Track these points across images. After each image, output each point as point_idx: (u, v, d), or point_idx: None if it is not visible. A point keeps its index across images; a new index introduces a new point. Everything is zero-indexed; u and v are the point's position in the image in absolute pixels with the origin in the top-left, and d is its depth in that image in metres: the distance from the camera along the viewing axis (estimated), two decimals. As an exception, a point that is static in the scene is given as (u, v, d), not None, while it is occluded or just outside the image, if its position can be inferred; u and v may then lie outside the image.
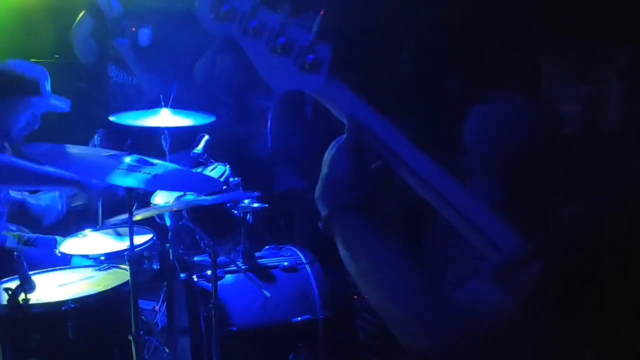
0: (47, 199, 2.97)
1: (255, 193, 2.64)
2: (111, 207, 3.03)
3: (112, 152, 2.27)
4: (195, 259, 2.72)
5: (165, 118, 3.02)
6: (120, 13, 3.81)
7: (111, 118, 3.00)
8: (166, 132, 3.12)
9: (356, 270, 1.04)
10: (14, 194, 2.94)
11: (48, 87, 2.86)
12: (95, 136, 3.21)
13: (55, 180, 2.59)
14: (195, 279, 2.50)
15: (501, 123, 2.50)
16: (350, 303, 2.75)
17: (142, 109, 3.20)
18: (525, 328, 0.83)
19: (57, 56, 4.74)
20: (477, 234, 1.03)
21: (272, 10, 1.09)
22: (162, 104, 3.06)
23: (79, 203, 2.99)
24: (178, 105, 3.19)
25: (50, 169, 2.56)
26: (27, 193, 2.99)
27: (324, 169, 1.11)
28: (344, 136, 1.10)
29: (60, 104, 2.99)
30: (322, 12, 1.04)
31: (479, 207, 1.04)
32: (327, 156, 1.12)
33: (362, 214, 1.07)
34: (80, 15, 3.79)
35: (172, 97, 3.37)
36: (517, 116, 2.18)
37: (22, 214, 3.00)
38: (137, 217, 2.39)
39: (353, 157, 1.09)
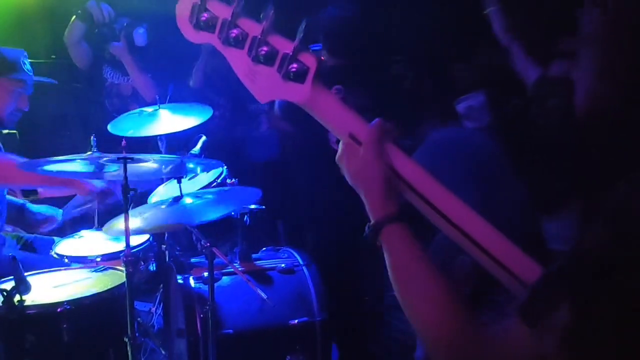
0: (48, 209, 2.97)
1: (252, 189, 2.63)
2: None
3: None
4: (192, 260, 2.71)
5: (164, 120, 3.00)
6: (112, 16, 3.80)
7: (109, 128, 2.98)
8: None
9: (395, 280, 1.03)
10: (10, 197, 2.93)
11: (28, 65, 2.93)
12: (91, 138, 3.19)
13: (56, 181, 2.61)
14: (192, 281, 2.49)
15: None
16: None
17: (138, 108, 3.18)
18: None
19: (54, 57, 4.73)
20: (498, 268, 0.97)
21: (254, 18, 1.05)
22: (159, 104, 3.05)
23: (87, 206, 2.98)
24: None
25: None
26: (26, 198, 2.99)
27: (357, 183, 1.07)
28: (363, 149, 1.04)
29: (45, 80, 3.06)
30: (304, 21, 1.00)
31: (497, 237, 0.98)
32: (349, 173, 1.07)
33: (406, 224, 1.04)
34: (71, 21, 3.79)
35: (168, 97, 3.37)
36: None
37: (20, 218, 2.98)
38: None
39: (380, 169, 1.04)
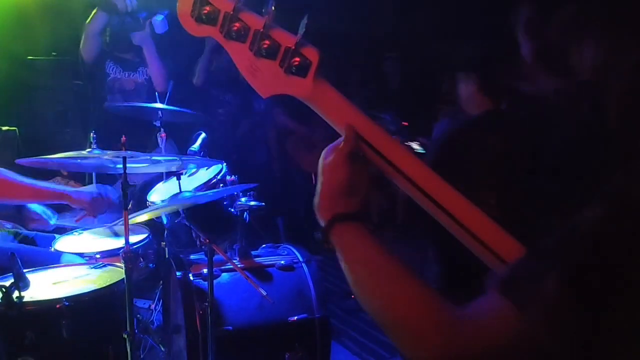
0: (44, 212, 2.97)
1: (252, 185, 2.63)
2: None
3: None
4: (191, 257, 2.71)
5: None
6: (134, 5, 3.80)
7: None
8: (162, 129, 3.10)
9: (354, 280, 1.00)
10: None
11: None
12: (90, 135, 3.19)
13: (47, 195, 2.63)
14: (191, 277, 2.49)
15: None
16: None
17: (139, 103, 3.18)
18: (548, 353, 0.76)
19: (55, 54, 4.74)
20: (480, 246, 0.98)
21: (256, 11, 1.04)
22: (158, 101, 3.05)
23: None
24: (175, 103, 3.18)
25: (44, 184, 2.61)
26: None
27: (320, 177, 1.07)
28: (340, 144, 1.05)
29: None
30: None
31: (480, 216, 1.00)
32: (322, 163, 1.07)
33: (361, 223, 1.03)
34: (94, 12, 3.78)
35: (167, 95, 3.37)
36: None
37: (17, 215, 2.99)
38: (134, 220, 2.38)
39: (350, 165, 1.04)
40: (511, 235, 0.97)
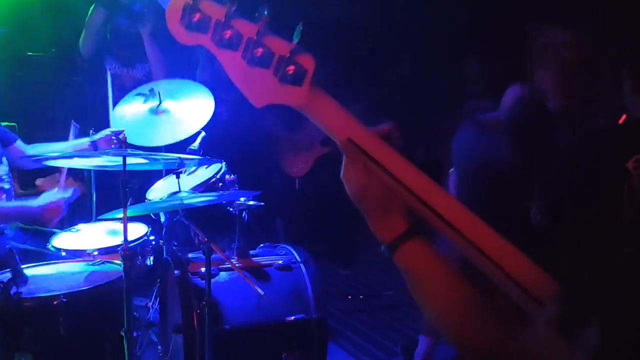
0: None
1: (252, 192, 2.63)
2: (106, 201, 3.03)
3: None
4: (190, 255, 2.70)
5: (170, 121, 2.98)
6: None
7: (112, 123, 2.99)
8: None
9: (421, 299, 1.00)
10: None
11: None
12: (90, 132, 3.19)
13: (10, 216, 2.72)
14: (189, 276, 2.49)
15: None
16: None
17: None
18: None
19: (54, 50, 4.73)
20: (510, 283, 0.94)
21: (248, 18, 1.00)
22: (160, 99, 3.03)
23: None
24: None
25: (5, 204, 2.70)
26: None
27: (361, 202, 1.03)
28: (345, 162, 1.02)
29: None
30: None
31: (508, 247, 0.95)
32: (350, 192, 1.04)
33: (420, 240, 1.00)
34: (92, 7, 3.77)
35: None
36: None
37: None
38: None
39: (370, 177, 1.00)
40: (541, 270, 0.94)
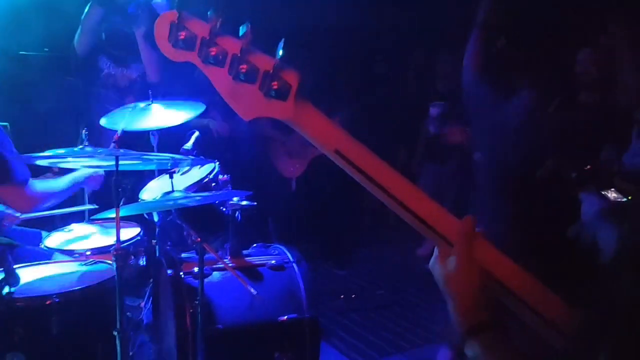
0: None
1: (245, 192, 2.64)
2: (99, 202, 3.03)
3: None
4: (182, 255, 2.71)
5: (156, 115, 2.99)
6: None
7: (102, 122, 2.97)
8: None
9: None
10: None
11: None
12: (82, 132, 3.18)
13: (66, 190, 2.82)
14: (182, 276, 2.49)
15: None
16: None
17: (134, 100, 3.17)
18: None
19: (46, 49, 4.71)
20: (534, 316, 0.98)
21: (233, 35, 1.02)
22: (151, 99, 3.04)
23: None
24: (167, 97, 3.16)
25: (58, 181, 2.78)
26: None
27: (449, 286, 1.04)
28: (455, 254, 1.02)
29: None
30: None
31: (531, 282, 1.00)
32: (442, 271, 1.04)
33: (498, 331, 1.00)
34: (89, 5, 3.76)
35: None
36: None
37: None
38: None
39: (474, 272, 1.01)
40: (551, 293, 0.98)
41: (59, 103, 4.35)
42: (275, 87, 1.01)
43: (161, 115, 2.97)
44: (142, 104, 3.01)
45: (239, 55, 1.01)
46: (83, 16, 3.81)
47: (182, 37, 1.02)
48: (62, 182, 2.79)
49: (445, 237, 1.02)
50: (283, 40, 1.00)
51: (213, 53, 1.02)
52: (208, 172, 2.86)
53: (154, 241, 2.95)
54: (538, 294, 1.00)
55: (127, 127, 2.85)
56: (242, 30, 1.00)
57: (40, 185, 2.67)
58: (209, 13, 1.01)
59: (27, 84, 4.50)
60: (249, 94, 1.02)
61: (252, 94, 1.02)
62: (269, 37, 1.06)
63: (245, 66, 1.01)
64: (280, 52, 0.99)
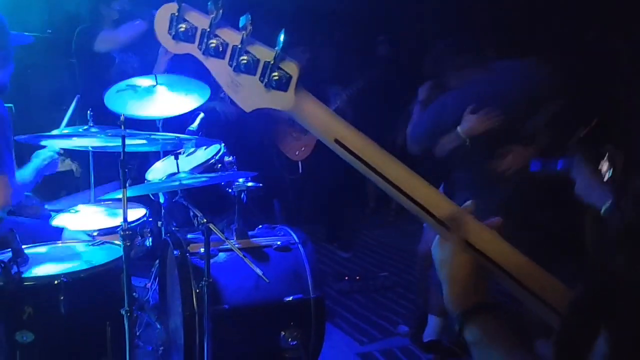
0: None
1: (250, 174, 2.64)
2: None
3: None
4: (189, 236, 2.72)
5: (161, 99, 2.96)
6: None
7: (106, 101, 2.95)
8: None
9: None
10: None
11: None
12: (88, 112, 3.18)
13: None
14: (188, 256, 2.51)
15: None
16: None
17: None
18: None
19: (49, 31, 4.70)
20: (532, 298, 1.00)
21: (233, 27, 1.02)
22: (156, 82, 3.02)
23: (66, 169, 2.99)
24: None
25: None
26: None
27: (443, 270, 1.06)
28: (449, 238, 1.04)
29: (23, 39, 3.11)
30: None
31: (528, 265, 1.02)
32: (439, 256, 1.07)
33: (497, 314, 1.02)
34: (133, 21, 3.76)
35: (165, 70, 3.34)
36: None
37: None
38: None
39: (467, 256, 1.03)
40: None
41: (62, 85, 4.35)
42: (275, 78, 1.02)
43: (166, 101, 2.94)
44: (145, 81, 2.98)
45: (239, 46, 1.02)
46: (121, 28, 3.78)
47: (182, 29, 1.03)
48: (27, 172, 2.71)
49: (444, 223, 1.04)
50: (283, 31, 1.00)
51: (213, 45, 1.02)
52: (214, 153, 2.87)
53: (160, 222, 2.96)
54: (534, 274, 1.02)
55: (132, 113, 2.83)
56: (242, 21, 1.00)
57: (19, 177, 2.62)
58: (209, 5, 1.01)
59: (30, 66, 4.49)
60: (250, 85, 1.03)
61: (253, 85, 1.03)
62: (269, 22, 1.06)
63: (245, 57, 1.02)
64: (281, 43, 0.99)
